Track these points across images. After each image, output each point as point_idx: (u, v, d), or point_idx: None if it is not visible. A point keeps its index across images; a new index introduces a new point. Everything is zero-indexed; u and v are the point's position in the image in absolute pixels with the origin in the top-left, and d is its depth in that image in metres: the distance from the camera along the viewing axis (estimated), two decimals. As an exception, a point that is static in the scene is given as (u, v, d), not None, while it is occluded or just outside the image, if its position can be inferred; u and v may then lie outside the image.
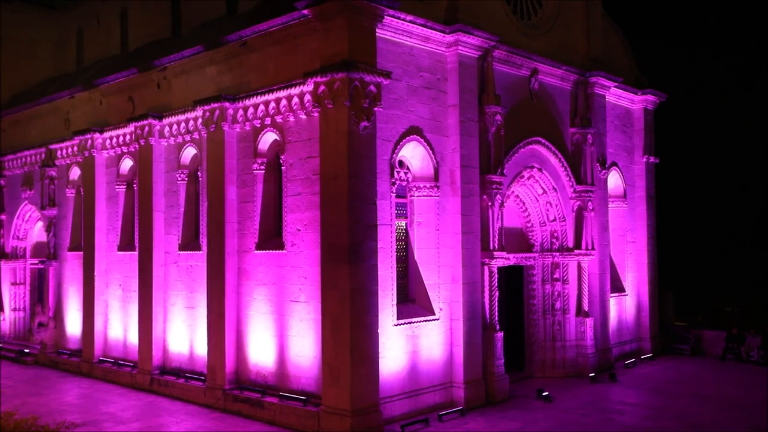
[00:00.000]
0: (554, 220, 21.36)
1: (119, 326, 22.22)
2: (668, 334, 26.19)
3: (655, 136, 26.46)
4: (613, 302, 23.73)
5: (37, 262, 27.41)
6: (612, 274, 23.79)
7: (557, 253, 21.29)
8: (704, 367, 23.24)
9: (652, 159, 26.15)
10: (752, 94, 46.29)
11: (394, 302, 16.04)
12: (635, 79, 25.28)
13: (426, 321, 16.81)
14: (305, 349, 15.95)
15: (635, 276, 25.56)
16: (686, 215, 37.69)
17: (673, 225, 29.87)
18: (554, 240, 21.39)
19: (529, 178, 20.49)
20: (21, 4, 32.53)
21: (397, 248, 16.58)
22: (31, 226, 27.85)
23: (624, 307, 24.81)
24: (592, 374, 20.62)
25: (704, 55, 48.41)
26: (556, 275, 21.32)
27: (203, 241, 18.79)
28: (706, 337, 25.73)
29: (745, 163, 45.21)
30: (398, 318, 16.05)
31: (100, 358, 22.43)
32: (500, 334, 17.99)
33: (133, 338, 21.21)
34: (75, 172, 24.49)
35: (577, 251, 21.23)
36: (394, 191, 16.47)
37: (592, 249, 21.53)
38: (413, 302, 16.97)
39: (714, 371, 22.47)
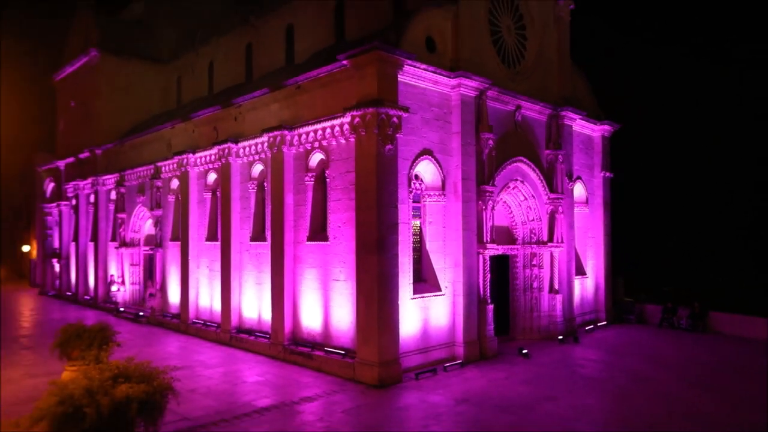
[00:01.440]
0: (533, 220, 21.10)
1: (207, 297, 22.47)
2: (619, 307, 26.14)
3: (610, 156, 26.22)
4: (577, 283, 23.46)
5: (147, 249, 27.87)
6: (576, 262, 23.53)
7: (535, 246, 21.03)
8: (646, 332, 23.16)
9: (607, 174, 25.92)
10: (686, 123, 46.42)
11: (411, 282, 16.06)
12: (595, 113, 24.95)
13: (435, 296, 16.72)
14: (344, 316, 15.99)
15: (594, 263, 25.30)
16: (634, 217, 37.41)
17: (624, 224, 29.56)
18: (533, 235, 21.14)
19: (513, 188, 20.26)
20: (139, 60, 33.14)
21: (413, 241, 16.50)
22: (143, 223, 28.34)
23: (585, 287, 24.58)
24: (561, 337, 20.42)
25: (651, 92, 48.52)
26: (534, 262, 21.07)
27: (268, 234, 18.86)
28: (648, 310, 25.71)
29: (680, 175, 45.53)
30: (414, 293, 16.06)
31: (193, 320, 22.74)
32: (491, 307, 17.83)
33: (217, 306, 21.39)
34: (174, 183, 24.80)
35: (550, 244, 20.94)
36: (411, 198, 16.46)
37: (562, 242, 21.25)
38: (425, 282, 16.83)
39: (653, 335, 22.41)
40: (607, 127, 25.56)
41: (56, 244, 38.15)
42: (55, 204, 38.17)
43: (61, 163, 36.40)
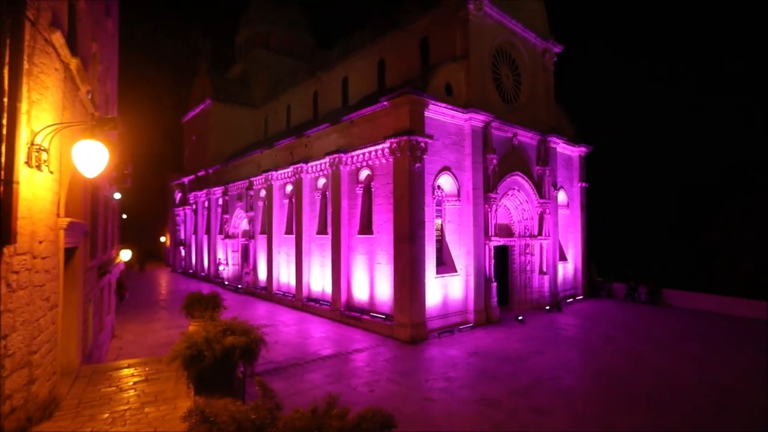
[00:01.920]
0: (527, 219, 20.55)
1: (285, 275, 22.67)
2: (592, 285, 25.18)
3: (586, 171, 25.30)
4: (560, 266, 22.73)
5: (243, 240, 28.18)
6: (560, 251, 22.81)
7: (528, 238, 20.48)
8: (613, 304, 22.21)
9: (583, 184, 25.05)
10: (643, 145, 45.95)
11: (434, 265, 15.89)
12: (574, 138, 24.13)
13: (452, 276, 16.49)
14: (384, 290, 15.93)
15: (573, 252, 24.47)
16: (605, 216, 36.59)
17: (597, 222, 28.75)
18: (526, 230, 20.59)
19: (512, 195, 19.78)
20: (239, 107, 33.87)
21: (436, 234, 16.30)
22: (240, 221, 28.73)
23: (567, 269, 23.78)
24: (548, 307, 19.86)
25: (618, 123, 48.40)
26: (527, 251, 20.50)
27: (329, 229, 18.90)
28: (615, 287, 24.65)
29: (640, 183, 45.32)
30: (437, 274, 15.88)
31: (275, 291, 22.94)
32: (494, 284, 17.47)
33: (292, 281, 21.61)
34: (262, 193, 25.11)
35: (539, 237, 20.35)
36: (435, 202, 16.29)
37: (549, 236, 20.64)
38: (445, 265, 16.62)
39: (619, 307, 21.46)
40: (583, 149, 24.76)
41: (182, 236, 39.13)
42: (181, 208, 39.21)
43: (186, 180, 37.47)
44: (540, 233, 20.45)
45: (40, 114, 4.97)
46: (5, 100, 4.06)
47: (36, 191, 5.01)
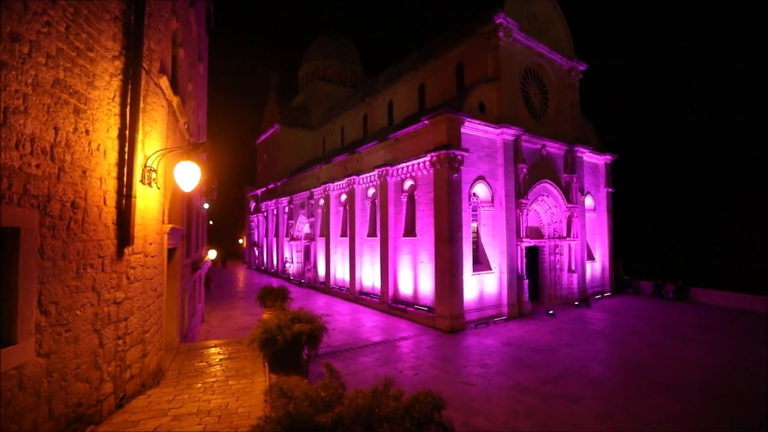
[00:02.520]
0: (555, 222, 19.66)
1: (341, 271, 22.93)
2: (619, 282, 23.58)
3: (612, 177, 23.84)
4: (588, 265, 21.54)
5: (305, 241, 28.63)
6: (587, 251, 21.61)
7: (557, 239, 19.57)
8: (640, 301, 20.63)
9: (609, 189, 23.61)
10: (665, 152, 42.45)
11: (471, 263, 15.59)
12: (599, 147, 22.84)
13: (487, 273, 16.07)
14: (426, 285, 15.77)
15: (601, 252, 23.07)
16: (631, 219, 34.14)
17: (625, 224, 26.95)
18: (555, 232, 19.69)
19: (541, 200, 19.02)
20: (301, 130, 34.87)
21: (472, 236, 15.96)
22: (303, 226, 29.24)
23: (594, 268, 22.45)
24: (576, 303, 18.84)
25: (643, 127, 45.20)
26: (557, 251, 19.59)
27: (378, 232, 19.01)
28: (642, 285, 22.94)
29: (664, 188, 41.75)
30: (473, 271, 15.57)
31: (332, 285, 23.24)
32: (526, 281, 16.84)
33: (346, 277, 21.85)
34: (321, 201, 25.53)
35: (568, 238, 19.40)
36: (471, 208, 15.97)
37: (577, 237, 19.61)
38: (481, 263, 16.24)
39: (646, 303, 19.91)
40: (608, 157, 23.37)
41: (255, 239, 40.35)
42: (255, 215, 40.44)
43: (259, 192, 38.69)
44: (568, 235, 19.48)
45: (150, 142, 5.45)
46: (127, 132, 4.51)
47: (147, 203, 5.49)
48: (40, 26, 3.38)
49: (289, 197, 30.30)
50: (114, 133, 4.40)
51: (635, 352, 11.55)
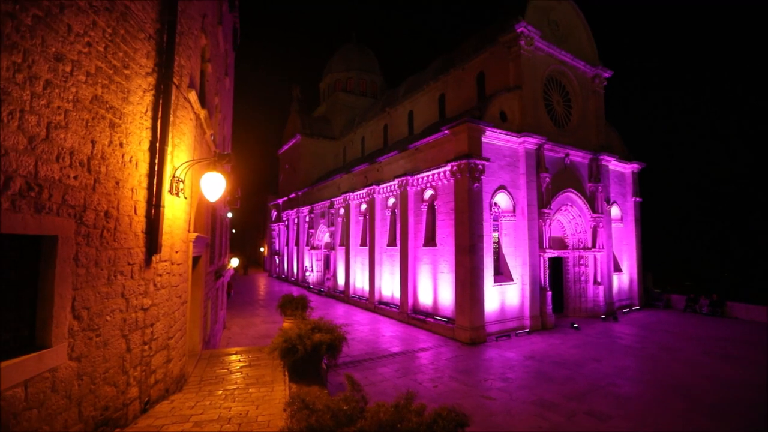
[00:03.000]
0: (580, 232, 19.12)
1: (360, 281, 22.95)
2: (649, 295, 22.62)
3: (639, 186, 23.07)
4: (615, 277, 20.79)
5: (325, 250, 28.84)
6: (614, 262, 20.86)
7: (582, 250, 19.01)
8: (672, 315, 19.65)
9: (637, 199, 22.81)
10: (696, 160, 40.52)
11: (492, 274, 15.31)
12: (625, 155, 22.18)
13: (509, 284, 15.73)
14: (446, 296, 15.57)
15: (628, 263, 22.23)
16: (661, 229, 32.75)
17: (653, 234, 25.84)
18: (580, 243, 19.14)
19: (565, 210, 18.59)
20: (323, 140, 35.41)
21: (493, 247, 15.70)
22: (323, 235, 29.47)
23: (622, 280, 21.63)
24: (603, 316, 18.15)
25: (671, 136, 43.32)
26: (581, 262, 19.03)
27: (398, 242, 18.99)
28: (673, 299, 21.91)
29: (696, 197, 39.76)
30: (494, 282, 15.26)
31: (351, 295, 23.23)
32: (549, 293, 16.40)
33: (366, 286, 21.85)
34: (341, 211, 25.72)
35: (593, 249, 18.80)
36: (492, 218, 15.72)
37: (602, 248, 18.98)
38: (502, 274, 15.91)
39: (679, 318, 18.95)
40: (635, 166, 22.63)
41: (277, 247, 40.89)
42: (276, 224, 41.01)
43: (280, 201, 39.33)
44: (594, 246, 18.89)
45: (179, 153, 5.67)
46: (157, 144, 4.71)
47: (175, 212, 5.68)
48: (82, 47, 3.60)
49: (309, 206, 30.60)
50: (145, 145, 4.61)
51: (668, 369, 10.98)
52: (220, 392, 6.11)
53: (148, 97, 4.62)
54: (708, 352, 12.75)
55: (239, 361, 7.93)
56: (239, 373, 7.11)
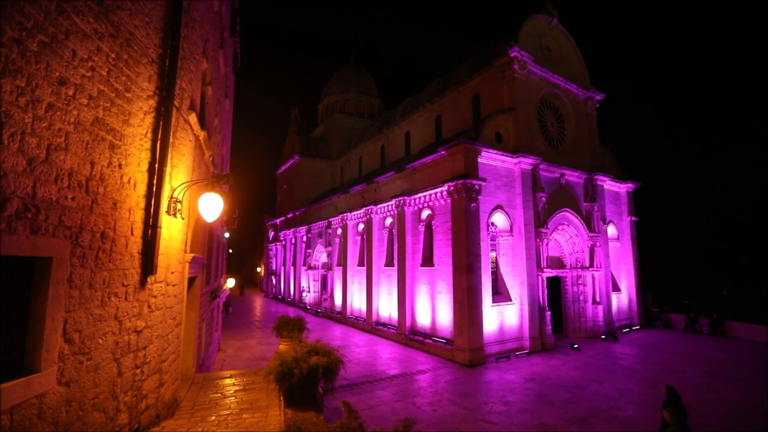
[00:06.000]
0: (577, 251, 19.12)
1: (357, 301, 22.69)
2: (648, 315, 22.44)
3: (635, 205, 23.27)
4: (614, 297, 20.70)
5: (323, 270, 28.43)
6: (612, 282, 20.82)
7: (580, 270, 18.96)
8: (673, 335, 19.48)
9: (633, 218, 22.99)
10: (691, 178, 41.22)
11: (490, 294, 15.19)
12: (620, 175, 22.47)
13: (507, 304, 15.61)
14: (444, 316, 15.40)
15: (627, 282, 22.17)
16: (658, 248, 32.85)
17: (650, 253, 25.89)
18: (578, 262, 19.10)
19: (562, 230, 18.64)
20: (320, 160, 35.68)
21: (491, 266, 15.64)
22: (320, 255, 29.27)
23: (620, 299, 21.52)
24: (603, 336, 17.96)
25: (665, 156, 44.19)
26: (579, 282, 18.94)
27: (395, 262, 18.89)
28: (673, 318, 21.74)
29: (692, 216, 40.17)
30: (493, 302, 15.14)
31: (349, 316, 22.93)
32: (549, 313, 16.28)
33: (363, 307, 21.59)
34: (339, 231, 25.63)
35: (591, 269, 18.78)
36: (489, 237, 15.75)
37: (600, 267, 18.97)
38: (500, 294, 15.81)
39: (679, 338, 18.78)
40: (630, 185, 22.91)
41: (273, 267, 40.59)
42: (273, 244, 40.83)
43: (278, 221, 39.19)
44: (591, 265, 18.87)
45: (177, 174, 5.70)
46: (156, 165, 4.73)
47: (171, 233, 5.66)
48: (85, 71, 3.66)
49: (307, 226, 30.54)
50: (144, 166, 4.63)
51: (670, 393, 10.78)
52: (213, 418, 5.94)
53: (149, 119, 4.68)
54: (710, 373, 12.58)
55: (233, 384, 7.74)
56: (233, 398, 6.93)
